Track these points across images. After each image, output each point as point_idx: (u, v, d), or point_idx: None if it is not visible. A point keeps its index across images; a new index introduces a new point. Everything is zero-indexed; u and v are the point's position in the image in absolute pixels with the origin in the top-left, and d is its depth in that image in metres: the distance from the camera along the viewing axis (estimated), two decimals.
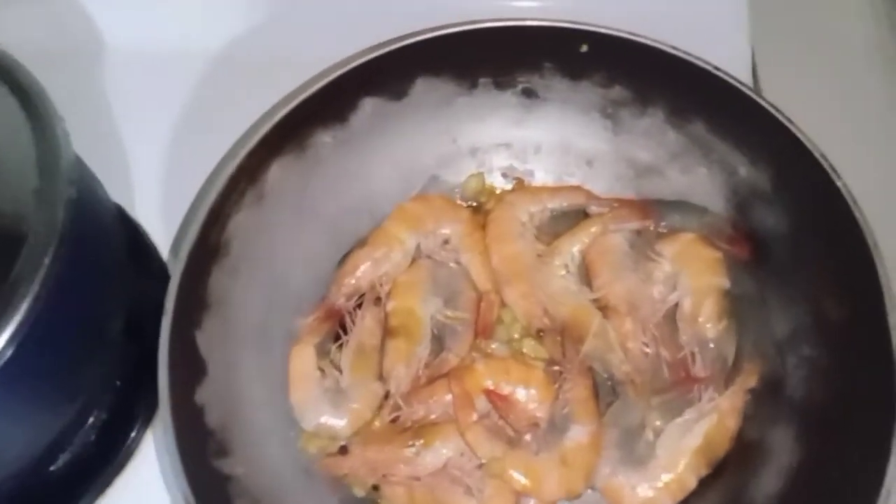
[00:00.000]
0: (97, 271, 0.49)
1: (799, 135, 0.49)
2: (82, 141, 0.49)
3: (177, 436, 0.42)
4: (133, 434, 0.54)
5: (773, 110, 0.50)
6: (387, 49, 0.52)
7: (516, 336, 0.54)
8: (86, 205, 0.47)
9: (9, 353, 0.40)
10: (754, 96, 0.50)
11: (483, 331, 0.54)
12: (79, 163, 0.48)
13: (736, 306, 0.53)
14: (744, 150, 0.53)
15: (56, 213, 0.43)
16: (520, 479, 0.47)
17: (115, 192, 0.57)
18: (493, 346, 0.53)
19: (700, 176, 0.56)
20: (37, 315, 0.41)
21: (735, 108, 0.51)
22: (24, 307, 0.40)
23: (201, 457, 0.44)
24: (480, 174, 0.59)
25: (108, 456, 0.54)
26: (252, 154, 0.50)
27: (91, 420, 0.54)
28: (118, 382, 0.55)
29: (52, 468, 0.52)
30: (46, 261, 0.41)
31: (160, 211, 0.60)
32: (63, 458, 0.53)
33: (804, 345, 0.51)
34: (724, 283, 0.53)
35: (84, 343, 0.49)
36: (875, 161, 0.61)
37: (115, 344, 0.53)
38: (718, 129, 0.53)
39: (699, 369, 0.51)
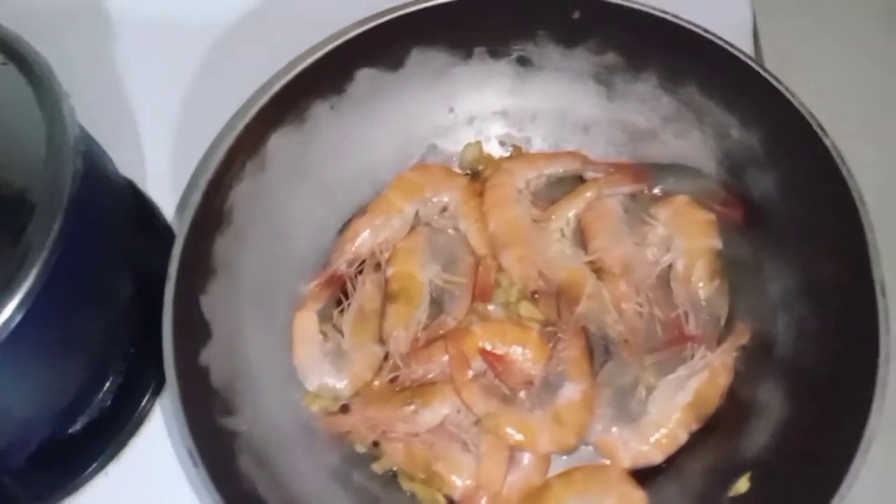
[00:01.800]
0: (105, 240, 0.51)
1: (787, 94, 0.49)
2: (93, 116, 0.50)
3: (181, 395, 0.44)
4: (147, 397, 0.56)
5: (761, 70, 0.50)
6: (380, 20, 0.52)
7: (513, 299, 0.55)
8: (93, 176, 0.49)
9: (19, 317, 0.42)
10: (743, 57, 0.51)
11: (481, 294, 0.55)
12: (86, 137, 0.50)
13: (730, 269, 0.54)
14: (735, 112, 0.53)
15: (63, 184, 0.44)
16: (514, 434, 0.49)
17: (126, 167, 0.59)
18: (491, 308, 0.55)
19: (693, 140, 0.56)
20: (46, 281, 0.43)
21: (725, 69, 0.52)
22: (33, 273, 0.42)
23: (207, 415, 0.46)
24: (478, 143, 0.60)
25: (124, 419, 0.56)
26: (250, 126, 0.51)
27: (107, 385, 0.56)
28: (132, 349, 0.57)
29: (71, 430, 0.55)
30: (55, 228, 0.43)
31: (170, 185, 0.62)
32: (81, 421, 0.55)
33: (796, 306, 0.51)
34: (717, 243, 0.54)
35: (94, 308, 0.51)
36: (877, 132, 0.61)
37: (127, 311, 0.55)
38: (710, 92, 0.54)
39: (692, 328, 0.52)
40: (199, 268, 0.49)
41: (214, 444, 0.45)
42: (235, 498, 0.43)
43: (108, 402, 0.57)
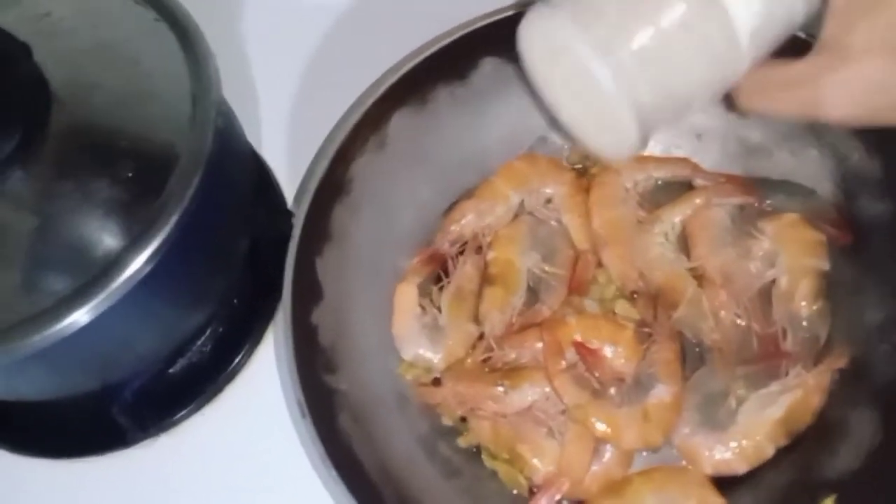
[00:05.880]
0: (231, 196, 0.54)
1: None
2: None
3: (294, 347, 0.47)
4: (245, 349, 0.59)
5: None
6: (511, 12, 0.54)
7: (609, 296, 0.56)
8: (228, 136, 0.52)
9: (156, 261, 0.44)
10: None
11: (577, 287, 0.56)
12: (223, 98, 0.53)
13: (830, 290, 0.54)
14: (859, 136, 0.53)
15: (206, 138, 0.47)
16: (601, 426, 0.50)
17: (246, 132, 0.62)
18: (586, 303, 0.56)
19: (810, 159, 0.56)
20: (182, 229, 0.45)
21: None
22: (171, 222, 0.45)
23: (313, 369, 0.49)
24: None
25: (222, 366, 0.59)
26: (377, 104, 0.54)
27: (209, 331, 0.59)
28: (235, 301, 0.60)
29: (171, 370, 0.59)
30: (195, 180, 0.46)
31: (285, 152, 0.65)
32: (181, 363, 0.59)
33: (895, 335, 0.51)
34: (824, 265, 0.54)
35: (215, 259, 0.54)
36: None
37: (238, 266, 0.58)
38: None
39: (789, 345, 0.52)
40: (318, 232, 0.51)
41: (318, 398, 0.47)
42: (335, 451, 0.45)
43: (208, 348, 0.60)
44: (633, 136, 0.39)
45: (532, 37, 0.41)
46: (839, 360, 0.52)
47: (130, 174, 0.47)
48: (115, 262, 0.44)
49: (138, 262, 0.44)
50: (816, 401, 0.51)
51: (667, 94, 0.38)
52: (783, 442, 0.50)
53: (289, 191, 0.63)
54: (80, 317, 0.43)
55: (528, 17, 0.41)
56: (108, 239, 0.45)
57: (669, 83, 0.38)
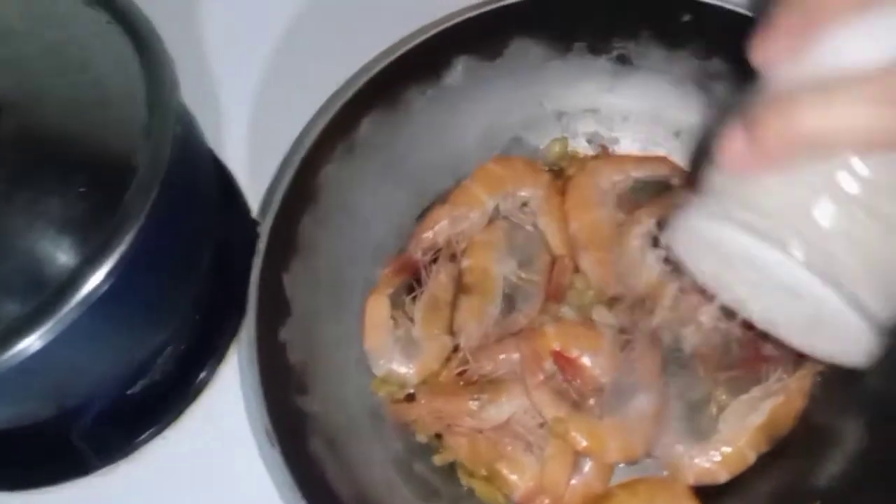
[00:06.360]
0: (192, 207, 0.51)
1: None
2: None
3: (261, 369, 0.44)
4: (208, 367, 0.57)
5: None
6: (485, 8, 0.52)
7: (587, 302, 0.55)
8: (187, 143, 0.49)
9: (112, 280, 0.42)
10: None
11: (555, 294, 0.55)
12: (182, 104, 0.50)
13: None
14: None
15: (163, 148, 0.44)
16: (582, 440, 0.49)
17: (207, 138, 0.59)
18: (563, 310, 0.54)
19: None
20: (140, 245, 0.43)
21: None
22: (129, 238, 0.42)
23: (283, 392, 0.46)
24: (564, 139, 0.59)
25: (184, 385, 0.56)
26: (346, 108, 0.51)
27: (169, 350, 0.56)
28: (197, 317, 0.57)
29: (129, 392, 0.56)
30: (153, 194, 0.43)
31: (249, 159, 0.62)
32: (141, 384, 0.56)
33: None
34: None
35: (176, 275, 0.51)
36: None
37: (201, 280, 0.56)
38: None
39: (769, 349, 0.51)
40: (285, 244, 0.49)
41: (288, 423, 0.45)
42: (307, 481, 0.43)
43: (170, 367, 0.57)
44: (870, 340, 0.33)
45: (695, 242, 0.35)
46: (820, 363, 0.51)
47: (84, 189, 0.44)
48: (67, 284, 0.41)
49: (92, 283, 0.42)
50: (798, 405, 0.50)
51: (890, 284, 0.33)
52: (764, 448, 0.49)
53: (254, 199, 0.60)
54: (32, 342, 0.41)
55: (682, 223, 0.34)
56: (60, 258, 0.42)
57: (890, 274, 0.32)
